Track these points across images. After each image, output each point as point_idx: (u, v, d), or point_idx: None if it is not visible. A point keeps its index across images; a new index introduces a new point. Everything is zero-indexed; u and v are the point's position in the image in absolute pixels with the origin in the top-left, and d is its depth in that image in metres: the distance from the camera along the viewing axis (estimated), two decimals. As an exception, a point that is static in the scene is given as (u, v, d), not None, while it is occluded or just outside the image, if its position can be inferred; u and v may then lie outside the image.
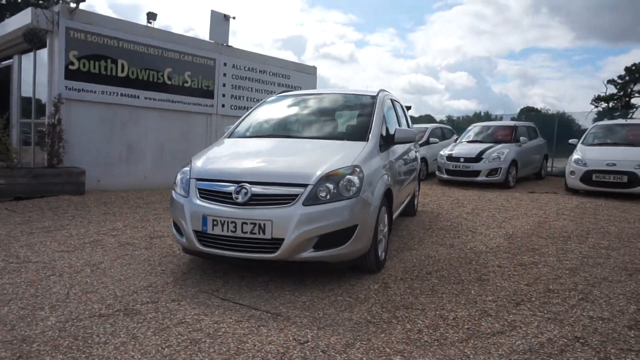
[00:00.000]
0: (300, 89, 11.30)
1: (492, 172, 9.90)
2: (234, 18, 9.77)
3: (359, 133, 4.24)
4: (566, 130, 15.82)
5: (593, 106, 47.21)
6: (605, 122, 10.44)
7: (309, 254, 3.24)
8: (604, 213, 6.85)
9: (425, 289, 3.40)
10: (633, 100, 45.05)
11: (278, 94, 5.37)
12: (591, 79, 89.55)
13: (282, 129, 4.54)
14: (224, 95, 9.81)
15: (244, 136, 4.52)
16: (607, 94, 45.55)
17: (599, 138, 9.49)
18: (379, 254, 3.78)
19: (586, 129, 11.13)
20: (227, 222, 3.28)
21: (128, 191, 8.03)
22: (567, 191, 9.23)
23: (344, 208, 3.29)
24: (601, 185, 8.38)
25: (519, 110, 51.03)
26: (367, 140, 4.06)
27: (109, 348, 2.37)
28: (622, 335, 2.64)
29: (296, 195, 3.26)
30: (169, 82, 8.89)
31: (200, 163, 3.77)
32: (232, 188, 3.37)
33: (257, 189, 3.32)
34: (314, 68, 11.63)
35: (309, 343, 2.46)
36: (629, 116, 14.60)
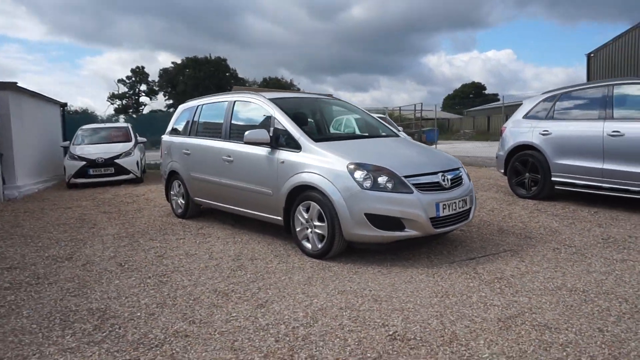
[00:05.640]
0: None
1: None
2: None
3: (392, 129, 5.49)
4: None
5: (109, 103, 50.85)
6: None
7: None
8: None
9: (510, 231, 5.49)
10: (141, 99, 52.00)
11: (269, 97, 5.19)
12: (71, 75, 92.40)
13: (364, 130, 5.02)
14: None
15: (331, 139, 4.70)
16: (120, 92, 50.23)
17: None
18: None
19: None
20: (454, 203, 4.18)
21: None
22: None
23: (468, 181, 4.90)
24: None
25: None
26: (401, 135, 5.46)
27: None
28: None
29: (461, 176, 4.57)
30: None
31: (395, 164, 4.09)
32: (438, 177, 4.20)
33: (449, 175, 4.35)
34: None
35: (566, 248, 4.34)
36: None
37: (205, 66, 48.80)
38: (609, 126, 5.84)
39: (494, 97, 62.87)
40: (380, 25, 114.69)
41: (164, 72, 50.21)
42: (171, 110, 49.54)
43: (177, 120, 6.64)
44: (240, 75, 52.22)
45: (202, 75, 47.64)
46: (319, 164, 4.25)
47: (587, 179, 6.11)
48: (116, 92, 50.12)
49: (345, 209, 3.99)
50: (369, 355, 2.41)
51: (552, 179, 6.53)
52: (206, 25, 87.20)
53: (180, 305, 3.21)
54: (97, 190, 9.72)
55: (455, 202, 4.21)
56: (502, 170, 7.51)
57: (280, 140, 4.69)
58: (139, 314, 3.07)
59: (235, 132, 5.38)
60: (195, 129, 6.09)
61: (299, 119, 4.83)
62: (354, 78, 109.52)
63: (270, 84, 51.50)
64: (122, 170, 10.24)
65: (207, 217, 6.34)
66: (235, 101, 5.52)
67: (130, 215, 6.78)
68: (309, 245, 4.36)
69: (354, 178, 4.00)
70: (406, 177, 4.05)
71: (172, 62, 51.67)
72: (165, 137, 6.74)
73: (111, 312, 3.12)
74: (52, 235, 5.57)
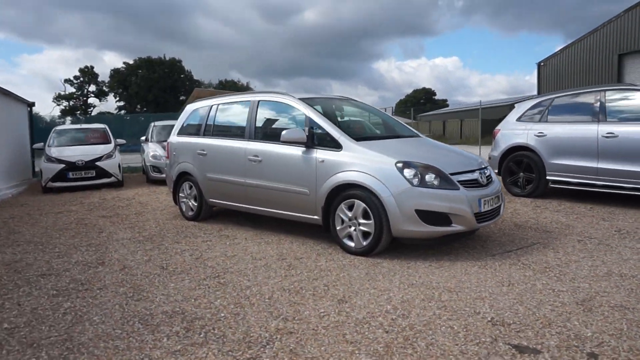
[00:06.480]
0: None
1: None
2: None
3: (413, 130, 5.65)
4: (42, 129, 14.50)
5: (55, 104, 48.06)
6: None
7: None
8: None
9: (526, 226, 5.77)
10: (90, 100, 49.54)
11: (306, 96, 5.23)
12: (8, 74, 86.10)
13: (387, 131, 5.14)
14: None
15: (368, 138, 4.77)
16: (67, 92, 47.60)
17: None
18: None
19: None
20: (491, 199, 4.40)
21: None
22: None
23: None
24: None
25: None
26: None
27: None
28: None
29: (491, 174, 4.80)
30: None
31: (438, 162, 4.26)
32: (476, 175, 4.41)
33: (484, 172, 4.57)
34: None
35: (593, 240, 4.66)
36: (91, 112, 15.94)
37: (159, 67, 47.26)
38: (603, 129, 6.33)
39: (444, 103, 65.62)
40: (331, 30, 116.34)
41: (115, 73, 48.14)
42: (122, 112, 47.63)
43: (187, 120, 6.47)
44: (195, 77, 51.07)
45: (156, 77, 46.13)
46: (365, 162, 4.33)
47: (582, 177, 6.58)
48: (63, 93, 47.47)
49: (394, 206, 4.09)
50: (483, 339, 2.52)
51: (547, 177, 6.97)
52: (153, 25, 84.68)
53: (259, 304, 3.17)
54: (77, 194, 9.21)
55: (492, 199, 4.43)
56: (496, 170, 7.90)
57: (316, 139, 4.73)
58: (222, 314, 3.01)
59: (262, 132, 5.35)
60: (211, 129, 5.97)
61: (331, 119, 4.90)
62: (306, 82, 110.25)
63: (227, 86, 50.75)
64: (103, 173, 9.77)
65: (218, 219, 6.22)
66: (259, 101, 5.48)
67: (132, 219, 6.52)
68: (351, 244, 4.41)
69: (404, 176, 4.12)
70: (451, 174, 4.23)
71: (124, 63, 49.63)
72: (174, 138, 6.54)
73: (190, 314, 3.04)
74: (62, 241, 5.27)
